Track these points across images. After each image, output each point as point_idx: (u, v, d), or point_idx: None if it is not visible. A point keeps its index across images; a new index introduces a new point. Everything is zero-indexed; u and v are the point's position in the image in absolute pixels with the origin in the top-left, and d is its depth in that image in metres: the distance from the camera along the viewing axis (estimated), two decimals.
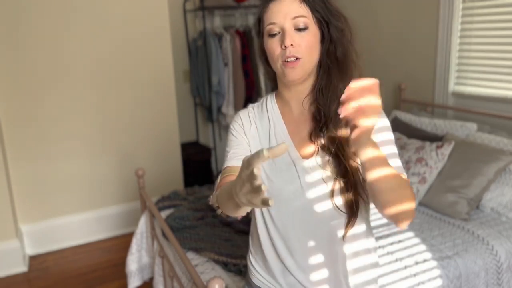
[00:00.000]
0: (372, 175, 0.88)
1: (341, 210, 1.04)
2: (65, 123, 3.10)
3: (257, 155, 0.68)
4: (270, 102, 1.14)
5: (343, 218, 1.05)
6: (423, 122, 2.68)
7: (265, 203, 0.69)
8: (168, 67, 3.39)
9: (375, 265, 1.15)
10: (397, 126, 2.74)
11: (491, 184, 2.19)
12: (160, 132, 3.45)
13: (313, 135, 1.05)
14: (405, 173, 1.02)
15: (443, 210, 2.20)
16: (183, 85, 4.22)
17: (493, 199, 2.22)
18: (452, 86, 2.84)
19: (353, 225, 1.05)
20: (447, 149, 2.29)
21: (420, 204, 2.31)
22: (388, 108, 3.29)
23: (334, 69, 1.04)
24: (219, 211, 0.98)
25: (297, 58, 1.01)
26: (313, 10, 1.01)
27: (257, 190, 0.69)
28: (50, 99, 3.02)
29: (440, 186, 2.25)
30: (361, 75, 1.05)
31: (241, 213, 0.91)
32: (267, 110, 1.13)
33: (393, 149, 1.06)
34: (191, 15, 4.12)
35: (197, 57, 4.00)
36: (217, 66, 3.83)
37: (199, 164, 3.98)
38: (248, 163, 0.70)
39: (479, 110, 2.61)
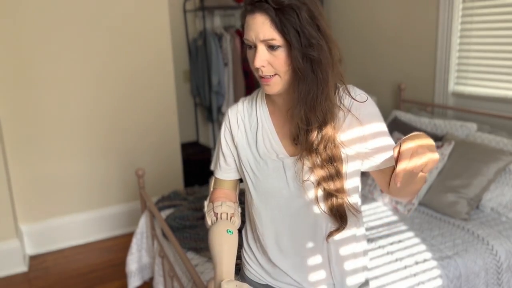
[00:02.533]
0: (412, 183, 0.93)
1: (324, 211, 1.04)
2: (65, 123, 3.10)
3: None
4: (260, 99, 1.13)
5: (329, 218, 1.06)
6: (423, 122, 2.68)
7: None
8: (168, 67, 3.39)
9: (364, 268, 1.17)
10: (397, 126, 2.74)
11: (491, 184, 2.19)
12: (160, 132, 3.45)
13: (296, 140, 1.03)
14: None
15: (443, 210, 2.20)
16: (183, 85, 4.22)
17: (493, 199, 2.22)
18: (452, 86, 2.84)
19: (340, 231, 1.06)
20: (447, 149, 2.29)
21: (420, 204, 2.31)
22: (388, 108, 3.30)
23: (299, 99, 0.97)
24: (207, 225, 1.14)
25: (270, 76, 0.98)
26: (282, 32, 0.93)
27: None
28: (50, 99, 3.02)
29: (440, 186, 2.25)
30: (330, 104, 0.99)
31: None
32: (256, 108, 1.12)
33: (389, 140, 1.04)
34: (191, 15, 4.12)
35: (197, 57, 4.00)
36: (217, 66, 3.83)
37: (199, 164, 3.98)
38: None
39: (479, 110, 2.61)
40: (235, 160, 1.15)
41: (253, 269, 1.19)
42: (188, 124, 4.31)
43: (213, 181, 1.21)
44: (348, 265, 1.12)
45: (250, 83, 4.00)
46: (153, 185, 3.42)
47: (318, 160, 1.00)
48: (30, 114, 2.99)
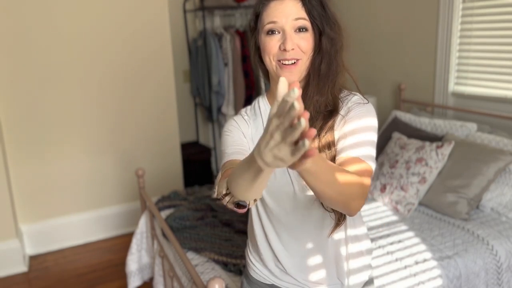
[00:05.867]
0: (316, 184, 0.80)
1: (328, 211, 1.05)
2: (65, 123, 3.10)
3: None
4: (262, 103, 1.14)
5: (332, 215, 1.06)
6: (423, 122, 2.68)
7: (296, 150, 0.59)
8: (168, 67, 3.39)
9: (368, 267, 1.17)
10: (397, 126, 2.74)
11: (491, 184, 2.19)
12: (160, 132, 3.45)
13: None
14: (371, 163, 0.97)
15: (443, 210, 2.20)
16: (183, 85, 4.22)
17: (493, 199, 2.22)
18: (452, 86, 2.84)
19: (340, 225, 1.06)
20: (447, 149, 2.29)
21: (420, 204, 2.31)
22: (388, 108, 3.30)
23: (313, 80, 1.03)
24: (226, 200, 0.90)
25: (295, 61, 1.00)
26: (311, 15, 0.99)
27: (292, 131, 0.59)
28: (50, 99, 3.02)
29: (440, 186, 2.25)
30: (344, 86, 1.07)
31: (256, 190, 0.80)
32: (260, 111, 1.13)
33: (370, 135, 0.99)
34: (191, 15, 4.12)
35: (197, 57, 4.00)
36: (217, 66, 3.83)
37: (199, 164, 3.98)
38: (278, 111, 0.61)
39: (479, 110, 2.61)
40: (249, 148, 1.10)
41: (258, 269, 1.19)
42: (188, 124, 4.31)
43: (220, 172, 1.03)
44: (352, 264, 1.12)
45: (250, 83, 4.00)
46: (153, 185, 3.42)
47: (317, 145, 1.01)
48: (30, 114, 2.99)
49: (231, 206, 0.90)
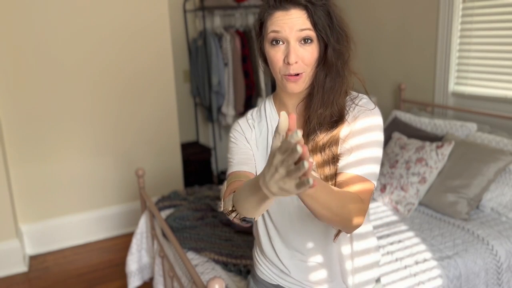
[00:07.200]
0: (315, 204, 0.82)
1: None
2: (65, 123, 3.10)
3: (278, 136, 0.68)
4: (268, 106, 1.14)
5: None
6: (423, 122, 2.68)
7: (301, 184, 0.65)
8: (168, 67, 3.39)
9: (375, 264, 1.16)
10: (397, 126, 2.74)
11: (491, 184, 2.19)
12: (160, 132, 3.45)
13: (304, 139, 1.04)
14: (374, 181, 0.99)
15: (443, 210, 2.20)
16: (183, 85, 4.22)
17: (493, 199, 2.22)
18: (452, 86, 2.84)
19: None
20: (447, 149, 2.29)
21: (420, 204, 2.32)
22: (388, 108, 3.30)
23: (317, 93, 1.01)
24: (232, 216, 0.93)
25: (299, 73, 0.99)
26: (317, 27, 0.97)
27: (296, 170, 0.64)
28: (50, 99, 3.02)
29: (440, 186, 2.25)
30: (351, 88, 1.05)
31: (262, 211, 0.85)
32: (265, 114, 1.13)
33: (375, 152, 1.00)
34: (191, 15, 4.12)
35: (197, 57, 4.00)
36: (217, 66, 3.83)
37: (199, 164, 3.98)
38: (282, 148, 0.66)
39: (479, 110, 2.61)
40: (253, 155, 1.12)
41: (264, 269, 1.19)
42: (188, 124, 4.31)
43: (226, 182, 1.10)
44: (358, 263, 1.12)
45: (250, 83, 4.00)
46: (153, 185, 3.42)
47: (319, 145, 1.01)
48: (30, 114, 2.99)
49: (237, 221, 0.94)
